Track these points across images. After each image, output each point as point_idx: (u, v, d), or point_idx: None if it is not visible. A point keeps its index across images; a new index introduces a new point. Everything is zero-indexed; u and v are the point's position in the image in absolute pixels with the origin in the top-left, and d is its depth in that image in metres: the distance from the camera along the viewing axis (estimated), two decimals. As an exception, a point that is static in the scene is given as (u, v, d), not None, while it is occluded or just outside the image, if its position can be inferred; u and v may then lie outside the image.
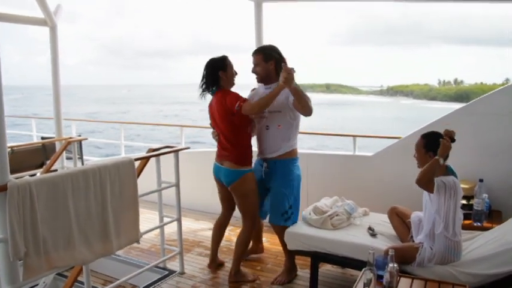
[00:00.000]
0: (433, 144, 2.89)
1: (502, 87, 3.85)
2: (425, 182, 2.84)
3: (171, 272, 3.71)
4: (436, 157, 2.82)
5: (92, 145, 18.59)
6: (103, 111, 49.63)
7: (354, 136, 4.54)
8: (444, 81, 78.42)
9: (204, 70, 3.39)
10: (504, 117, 3.76)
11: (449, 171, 2.90)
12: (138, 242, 3.05)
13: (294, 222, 3.52)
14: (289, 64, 3.18)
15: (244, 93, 3.43)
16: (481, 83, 72.42)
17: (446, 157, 2.86)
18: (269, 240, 4.37)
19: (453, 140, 2.86)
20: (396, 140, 4.22)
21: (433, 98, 66.92)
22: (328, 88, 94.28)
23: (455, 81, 76.25)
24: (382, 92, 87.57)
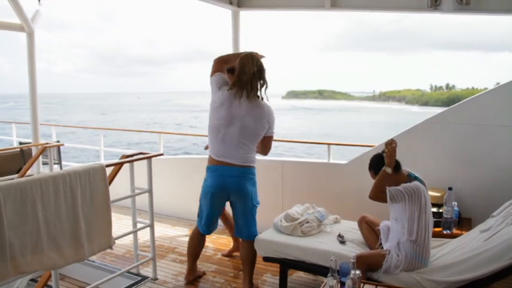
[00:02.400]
0: (379, 167, 2.98)
1: (470, 97, 3.90)
2: (376, 194, 2.93)
3: (144, 277, 3.71)
4: (384, 168, 2.90)
5: (74, 151, 18.54)
6: (96, 120, 49.37)
7: (328, 144, 4.57)
8: (436, 86, 78.99)
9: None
10: (473, 127, 3.81)
11: (411, 177, 2.95)
12: (111, 248, 3.06)
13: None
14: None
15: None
16: (473, 87, 73.05)
17: (397, 166, 2.95)
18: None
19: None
20: (370, 148, 4.25)
21: (425, 103, 67.38)
22: (321, 94, 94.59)
23: (447, 86, 76.83)
24: (374, 98, 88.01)
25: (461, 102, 3.95)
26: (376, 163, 3.03)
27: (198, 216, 3.51)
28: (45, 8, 4.65)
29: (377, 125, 41.02)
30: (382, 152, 2.99)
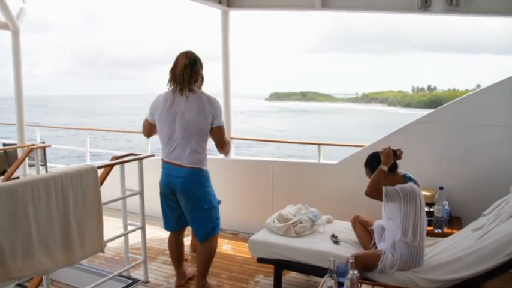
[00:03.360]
0: (372, 164, 3.04)
1: (462, 96, 3.96)
2: (372, 191, 2.94)
3: (135, 280, 3.64)
4: (380, 166, 2.92)
5: (59, 153, 18.26)
6: (80, 122, 48.66)
7: (318, 144, 4.58)
8: (418, 87, 79.91)
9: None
10: (463, 126, 3.86)
11: (406, 178, 2.97)
12: (102, 251, 3.00)
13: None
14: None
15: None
16: (454, 89, 74.18)
17: (394, 166, 2.99)
18: (233, 248, 4.36)
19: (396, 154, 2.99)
20: (360, 148, 4.27)
21: (407, 105, 68.18)
22: (305, 96, 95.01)
23: (429, 87, 77.80)
24: (357, 99, 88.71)
25: (450, 102, 4.01)
26: (373, 161, 3.05)
27: (163, 220, 3.55)
28: (27, 7, 4.57)
29: (361, 126, 41.41)
30: (380, 152, 3.01)
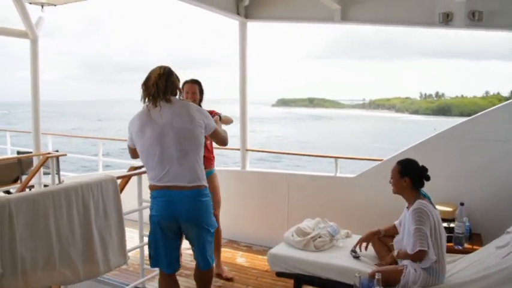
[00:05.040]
0: (407, 170, 3.02)
1: (481, 112, 3.92)
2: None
3: (151, 293, 3.62)
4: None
5: (67, 161, 18.23)
6: (92, 127, 48.86)
7: (335, 157, 4.54)
8: (426, 94, 79.65)
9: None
10: (485, 142, 3.82)
11: (421, 195, 3.00)
12: (126, 263, 2.97)
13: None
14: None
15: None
16: (462, 95, 73.90)
17: (421, 183, 3.01)
18: (248, 261, 4.32)
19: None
20: (378, 162, 4.24)
21: (415, 112, 67.98)
22: (311, 102, 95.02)
23: (437, 94, 77.50)
24: (364, 106, 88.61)
25: (469, 118, 3.98)
26: (409, 170, 3.03)
27: (152, 257, 2.91)
28: (45, 15, 4.59)
29: (369, 133, 41.25)
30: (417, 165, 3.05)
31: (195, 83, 3.80)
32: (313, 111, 79.27)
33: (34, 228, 2.35)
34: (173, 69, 2.82)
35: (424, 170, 3.03)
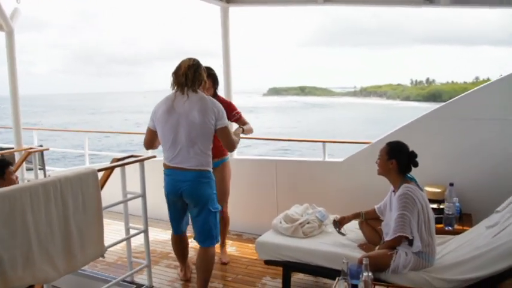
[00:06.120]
0: (396, 153, 2.95)
1: (469, 90, 3.86)
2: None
3: (139, 285, 3.56)
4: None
5: (56, 155, 18.13)
6: (80, 120, 48.42)
7: (323, 142, 4.48)
8: (416, 81, 79.90)
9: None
10: (473, 121, 3.76)
11: (408, 178, 2.96)
12: (103, 256, 2.93)
13: None
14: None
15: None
16: (452, 81, 74.21)
17: (408, 168, 2.96)
18: (238, 249, 4.28)
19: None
20: (366, 145, 4.18)
21: (406, 98, 68.28)
22: (303, 91, 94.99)
23: (427, 80, 77.78)
24: (355, 93, 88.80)
25: (457, 97, 3.91)
26: (397, 153, 2.97)
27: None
28: (22, 7, 4.47)
29: (360, 120, 41.37)
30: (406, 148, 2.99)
31: (209, 76, 3.61)
32: (305, 99, 79.29)
33: (11, 226, 2.27)
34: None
35: (412, 155, 2.96)
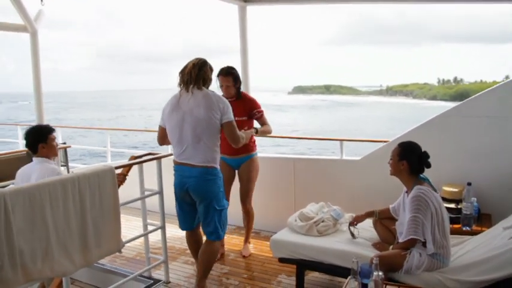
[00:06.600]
0: (407, 154, 2.91)
1: (490, 88, 3.77)
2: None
3: (156, 281, 3.62)
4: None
5: (81, 152, 18.56)
6: (106, 117, 49.34)
7: (340, 140, 4.46)
8: (444, 80, 78.31)
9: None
10: (493, 119, 3.67)
11: (421, 179, 2.91)
12: (120, 251, 3.00)
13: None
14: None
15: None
16: (481, 81, 72.33)
17: (420, 170, 2.92)
18: (255, 247, 4.30)
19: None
20: (383, 144, 4.14)
21: (433, 97, 67.00)
22: (328, 89, 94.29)
23: (455, 79, 76.09)
24: (381, 92, 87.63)
25: (476, 95, 3.82)
26: (409, 154, 2.92)
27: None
28: (48, 8, 4.60)
29: (387, 120, 40.85)
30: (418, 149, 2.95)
31: (229, 75, 3.79)
32: (332, 98, 78.68)
33: (31, 221, 2.36)
34: (188, 59, 3.23)
35: (424, 156, 2.90)
